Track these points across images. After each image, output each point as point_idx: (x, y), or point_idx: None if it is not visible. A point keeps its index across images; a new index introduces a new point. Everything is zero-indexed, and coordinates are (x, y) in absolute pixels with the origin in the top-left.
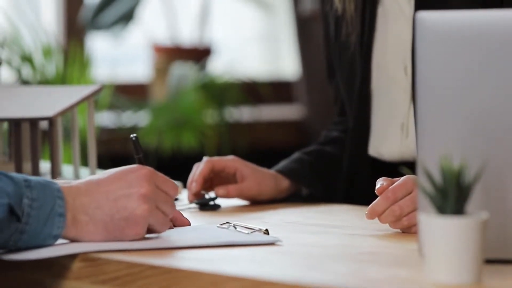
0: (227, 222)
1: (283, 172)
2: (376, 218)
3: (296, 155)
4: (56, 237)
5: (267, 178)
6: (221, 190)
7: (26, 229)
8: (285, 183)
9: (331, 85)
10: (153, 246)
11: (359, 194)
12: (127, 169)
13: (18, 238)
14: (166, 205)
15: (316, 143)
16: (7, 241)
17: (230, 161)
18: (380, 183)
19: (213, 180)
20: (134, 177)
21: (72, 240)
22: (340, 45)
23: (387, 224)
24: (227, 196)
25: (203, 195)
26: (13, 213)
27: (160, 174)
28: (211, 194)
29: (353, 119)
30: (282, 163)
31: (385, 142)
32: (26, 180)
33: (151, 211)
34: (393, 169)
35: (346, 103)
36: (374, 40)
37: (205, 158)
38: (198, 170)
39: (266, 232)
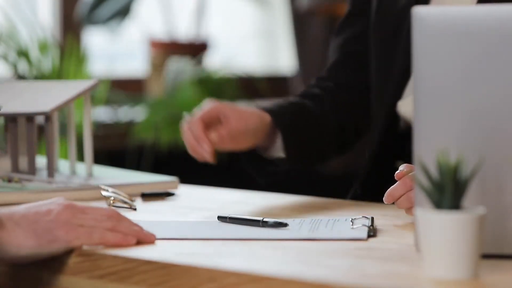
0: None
1: (266, 110)
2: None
3: (282, 101)
4: None
5: (248, 110)
6: (213, 135)
7: None
8: (267, 116)
9: (335, 39)
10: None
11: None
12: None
13: None
14: (96, 210)
15: (299, 96)
16: None
17: (213, 109)
18: (401, 168)
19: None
20: (52, 200)
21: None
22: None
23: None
24: (221, 139)
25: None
26: None
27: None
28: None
29: (395, 79)
30: (267, 104)
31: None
32: None
33: (74, 214)
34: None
35: (382, 67)
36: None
37: (188, 118)
38: (196, 130)
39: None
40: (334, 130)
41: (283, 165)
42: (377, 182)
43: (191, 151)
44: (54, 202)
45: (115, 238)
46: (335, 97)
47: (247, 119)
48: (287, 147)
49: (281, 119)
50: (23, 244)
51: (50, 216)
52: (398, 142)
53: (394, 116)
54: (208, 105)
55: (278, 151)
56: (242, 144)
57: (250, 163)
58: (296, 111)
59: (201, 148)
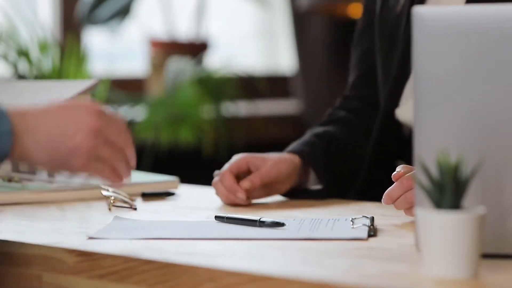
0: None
1: (294, 152)
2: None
3: (307, 137)
4: (1, 158)
5: (278, 157)
6: (245, 182)
7: None
8: (297, 159)
9: (355, 52)
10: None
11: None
12: (78, 102)
13: None
14: (118, 137)
15: (324, 123)
16: None
17: (241, 160)
18: (398, 169)
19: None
20: (84, 109)
21: (17, 160)
22: (386, 9)
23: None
24: (253, 186)
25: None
26: None
27: (109, 113)
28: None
29: (391, 84)
30: (293, 145)
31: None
32: None
33: (97, 145)
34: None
35: (382, 72)
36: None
37: (217, 173)
38: (227, 181)
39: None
40: (364, 150)
41: (319, 194)
42: (377, 183)
43: (225, 202)
44: (84, 120)
45: (114, 178)
46: (364, 117)
47: (278, 166)
48: (322, 182)
49: (312, 160)
50: (39, 163)
51: (73, 142)
52: (398, 144)
53: (392, 118)
54: (236, 157)
55: (312, 184)
56: (277, 190)
57: (285, 193)
58: (325, 146)
59: (236, 199)
